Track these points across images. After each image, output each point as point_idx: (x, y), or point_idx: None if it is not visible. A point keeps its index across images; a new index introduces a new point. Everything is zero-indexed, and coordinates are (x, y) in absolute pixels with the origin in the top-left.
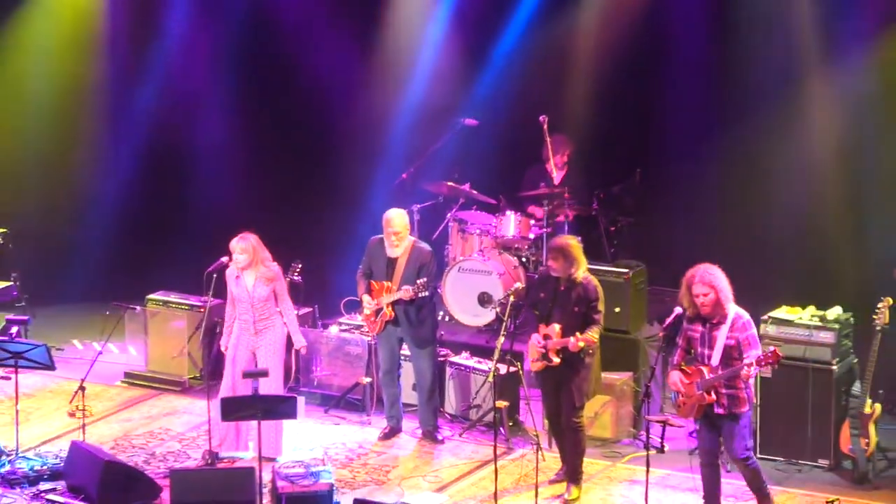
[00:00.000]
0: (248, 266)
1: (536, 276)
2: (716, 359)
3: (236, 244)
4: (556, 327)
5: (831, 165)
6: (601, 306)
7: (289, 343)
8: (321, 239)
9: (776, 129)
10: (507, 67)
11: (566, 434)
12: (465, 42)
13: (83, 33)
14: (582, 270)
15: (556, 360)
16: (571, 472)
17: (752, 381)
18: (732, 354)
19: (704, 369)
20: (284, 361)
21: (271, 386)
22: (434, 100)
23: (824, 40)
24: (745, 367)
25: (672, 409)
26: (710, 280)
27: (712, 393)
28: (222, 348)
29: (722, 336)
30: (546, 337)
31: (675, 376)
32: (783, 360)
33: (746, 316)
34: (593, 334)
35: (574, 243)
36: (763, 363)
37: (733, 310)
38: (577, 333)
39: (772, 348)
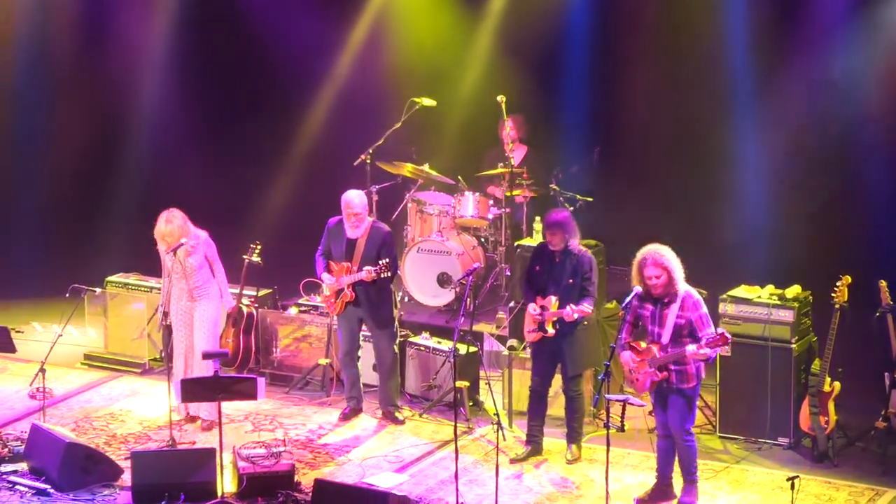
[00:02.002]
0: (184, 243)
1: (534, 248)
2: (666, 337)
3: (166, 227)
4: (553, 299)
5: (789, 147)
6: (595, 279)
7: (248, 325)
8: (280, 220)
9: (733, 109)
10: (467, 47)
11: (566, 402)
12: (423, 21)
13: None
14: (576, 241)
15: (552, 330)
16: (571, 434)
17: (711, 358)
18: (682, 333)
19: (654, 347)
20: (244, 342)
21: (204, 344)
22: (390, 80)
23: (786, 27)
24: (691, 349)
25: (631, 388)
26: (662, 261)
27: (663, 370)
28: (166, 322)
29: (672, 315)
30: (542, 308)
31: (626, 355)
32: (743, 340)
33: (696, 295)
34: (587, 306)
35: (567, 215)
36: (713, 345)
37: (683, 288)
38: (572, 304)
39: (720, 330)
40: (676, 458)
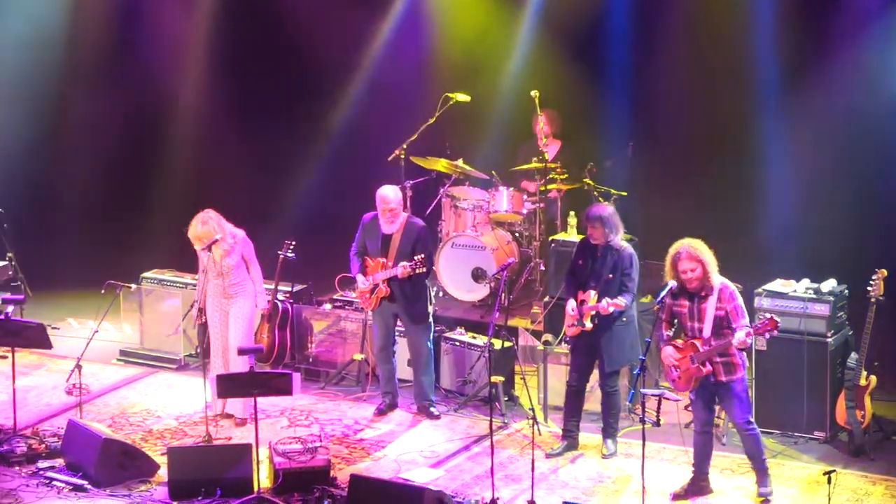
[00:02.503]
0: (220, 240)
1: (578, 242)
2: (707, 331)
3: (202, 229)
4: (592, 293)
5: (824, 141)
6: (635, 275)
7: (283, 321)
8: (315, 215)
9: (767, 104)
10: (502, 41)
11: (602, 397)
12: (457, 16)
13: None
14: (619, 238)
15: (590, 325)
16: (606, 429)
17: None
18: (722, 325)
19: (697, 342)
20: (279, 338)
21: (239, 340)
22: (426, 76)
23: (819, 21)
24: (740, 336)
25: (666, 382)
26: (696, 254)
27: (707, 364)
28: (201, 319)
29: (711, 308)
30: (581, 302)
31: (668, 350)
32: (779, 334)
33: (732, 286)
34: (622, 300)
35: (611, 210)
36: (762, 331)
37: (718, 281)
38: (608, 298)
39: (769, 316)
40: (744, 450)
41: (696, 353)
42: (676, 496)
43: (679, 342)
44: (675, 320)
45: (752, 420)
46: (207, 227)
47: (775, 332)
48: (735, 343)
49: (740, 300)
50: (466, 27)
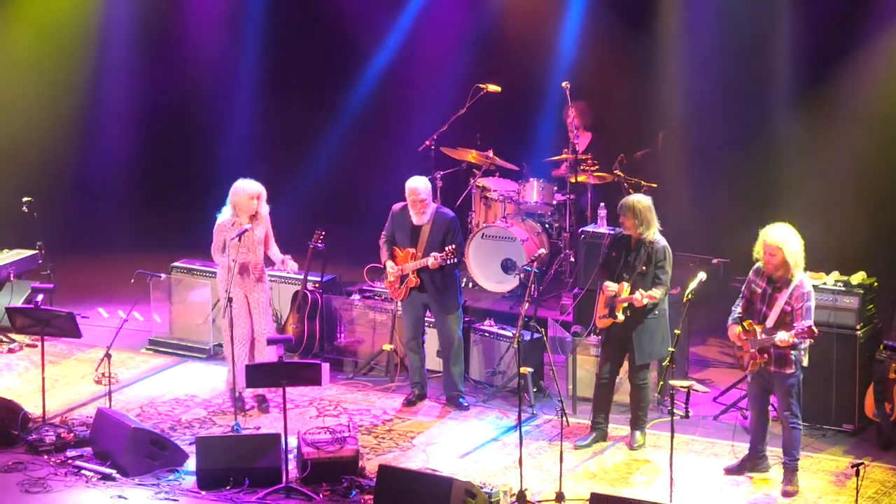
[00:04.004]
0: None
1: (612, 235)
2: (771, 320)
3: (255, 188)
4: (625, 285)
5: (853, 135)
6: (668, 268)
7: (312, 311)
8: (344, 205)
9: (799, 96)
10: (529, 33)
11: (631, 389)
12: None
13: None
14: (652, 231)
15: (621, 316)
16: (635, 421)
17: (802, 346)
18: (785, 320)
19: (758, 328)
20: (308, 328)
21: (267, 328)
22: (456, 66)
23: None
24: (782, 336)
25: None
26: (777, 242)
27: (764, 353)
28: (233, 306)
29: (781, 300)
30: (614, 294)
31: (735, 330)
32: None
33: (808, 287)
34: (656, 292)
35: (645, 203)
36: (798, 337)
37: (798, 277)
38: (642, 290)
39: (807, 324)
40: (781, 442)
41: (754, 339)
42: (729, 471)
43: (749, 324)
44: (753, 299)
45: (798, 417)
46: (258, 186)
47: (811, 340)
48: (777, 341)
49: (810, 303)
50: (500, 17)
